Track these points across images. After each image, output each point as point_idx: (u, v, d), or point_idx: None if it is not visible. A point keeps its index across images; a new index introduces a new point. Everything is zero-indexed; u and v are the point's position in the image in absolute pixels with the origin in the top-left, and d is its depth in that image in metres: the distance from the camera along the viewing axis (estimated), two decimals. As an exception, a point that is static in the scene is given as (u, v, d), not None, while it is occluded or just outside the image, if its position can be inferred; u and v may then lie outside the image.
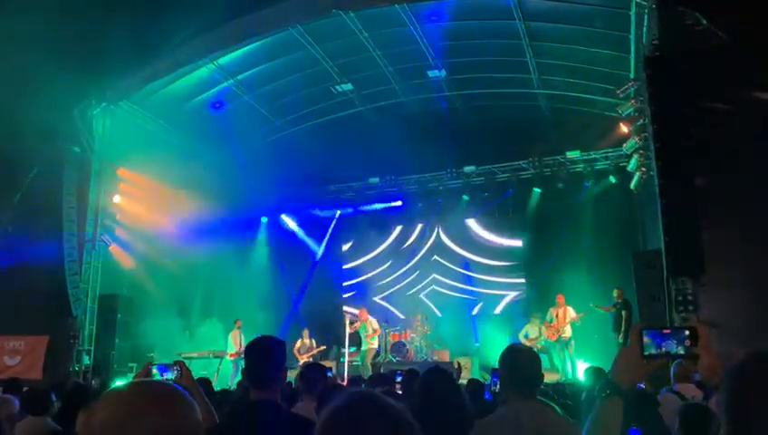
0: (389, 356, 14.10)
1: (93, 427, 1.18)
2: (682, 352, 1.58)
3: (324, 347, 14.53)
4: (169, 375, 3.06)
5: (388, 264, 17.62)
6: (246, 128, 16.20)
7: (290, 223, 18.34)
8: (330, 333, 15.58)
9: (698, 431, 3.32)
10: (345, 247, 18.40)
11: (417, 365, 11.96)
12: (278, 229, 18.24)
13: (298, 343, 14.20)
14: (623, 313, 12.20)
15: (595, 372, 6.27)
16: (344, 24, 12.37)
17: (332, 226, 18.36)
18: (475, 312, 16.54)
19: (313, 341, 14.43)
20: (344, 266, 18.27)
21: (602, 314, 12.94)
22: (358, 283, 17.92)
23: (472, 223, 17.15)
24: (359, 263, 18.08)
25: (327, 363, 13.24)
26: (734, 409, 1.34)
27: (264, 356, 2.90)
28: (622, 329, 12.12)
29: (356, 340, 14.23)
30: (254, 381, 2.86)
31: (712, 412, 3.35)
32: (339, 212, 18.23)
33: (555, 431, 2.78)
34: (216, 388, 7.65)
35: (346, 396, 1.26)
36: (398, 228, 17.81)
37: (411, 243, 17.64)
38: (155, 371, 3.08)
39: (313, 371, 4.77)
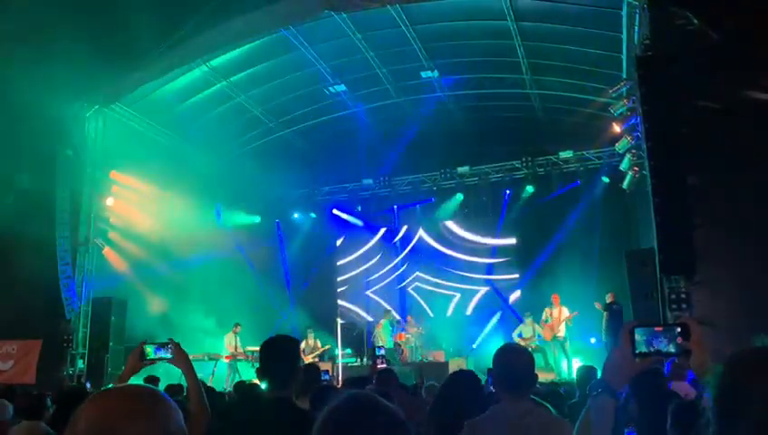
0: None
1: (78, 431, 1.18)
2: (673, 350, 1.58)
3: (329, 346, 14.58)
4: (163, 354, 3.05)
5: (378, 258, 17.85)
6: (240, 129, 16.18)
7: (283, 224, 18.36)
8: (327, 330, 15.59)
9: (690, 430, 3.32)
10: (338, 242, 18.56)
11: (410, 366, 12.02)
12: (272, 230, 18.24)
13: (302, 344, 14.24)
14: (604, 313, 12.69)
15: (586, 370, 6.31)
16: (337, 26, 12.37)
17: (327, 225, 18.45)
18: (449, 310, 16.68)
19: (318, 341, 14.49)
20: (338, 263, 18.37)
21: (600, 315, 13.05)
22: (350, 278, 18.18)
23: (464, 222, 17.23)
24: (350, 259, 18.24)
25: (322, 365, 13.28)
26: (723, 404, 1.35)
27: (278, 355, 2.95)
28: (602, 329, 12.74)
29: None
30: (270, 380, 2.90)
31: (705, 411, 3.35)
32: (336, 211, 18.32)
33: (546, 431, 2.79)
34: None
35: (343, 397, 1.28)
36: (387, 229, 17.98)
37: (402, 241, 17.77)
38: (149, 349, 3.07)
39: (308, 372, 4.78)
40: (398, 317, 15.18)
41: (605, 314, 12.67)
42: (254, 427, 2.81)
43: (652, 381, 4.02)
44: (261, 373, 2.98)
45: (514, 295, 16.33)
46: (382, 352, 6.31)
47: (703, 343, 1.56)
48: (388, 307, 16.06)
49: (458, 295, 16.85)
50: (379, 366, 6.14)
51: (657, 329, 1.60)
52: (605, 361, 1.67)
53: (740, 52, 8.50)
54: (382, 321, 14.64)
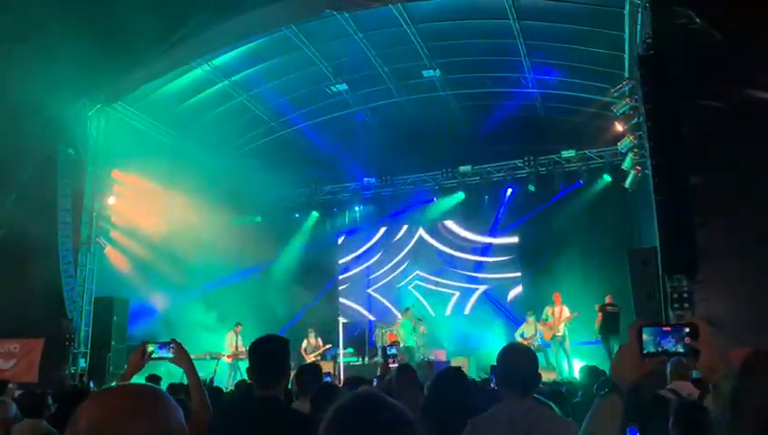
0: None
1: (80, 429, 1.19)
2: (681, 349, 1.57)
3: (330, 346, 14.55)
4: (165, 353, 3.05)
5: (378, 256, 17.89)
6: (241, 129, 16.19)
7: (285, 223, 18.37)
8: (329, 329, 15.58)
9: (694, 430, 3.30)
10: (339, 241, 18.63)
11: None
12: (273, 229, 18.24)
13: (304, 343, 14.24)
14: (599, 314, 12.78)
15: (591, 370, 6.31)
16: (338, 25, 12.37)
17: (329, 224, 18.48)
18: (448, 310, 16.70)
19: (319, 340, 14.48)
20: (339, 261, 18.40)
21: None
22: (351, 276, 18.23)
23: (465, 221, 17.23)
24: (351, 257, 18.30)
25: (324, 365, 13.26)
26: (736, 399, 1.35)
27: (267, 355, 2.95)
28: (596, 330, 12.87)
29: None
30: (258, 380, 2.91)
31: (708, 410, 3.34)
32: (335, 210, 18.35)
33: (549, 429, 2.78)
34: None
35: (350, 396, 1.27)
36: (388, 228, 17.99)
37: (402, 241, 17.79)
38: (151, 348, 3.07)
39: (310, 372, 4.78)
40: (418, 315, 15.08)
41: (599, 315, 12.70)
42: (240, 425, 2.82)
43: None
44: (249, 373, 3.00)
45: (515, 293, 16.34)
46: (394, 350, 6.24)
47: (710, 345, 1.55)
48: (405, 305, 16.04)
49: (457, 294, 16.89)
50: (390, 366, 6.06)
51: (665, 329, 1.59)
52: (613, 360, 1.66)
53: (742, 51, 8.48)
54: (401, 319, 14.44)
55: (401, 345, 13.45)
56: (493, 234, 16.90)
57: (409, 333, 13.96)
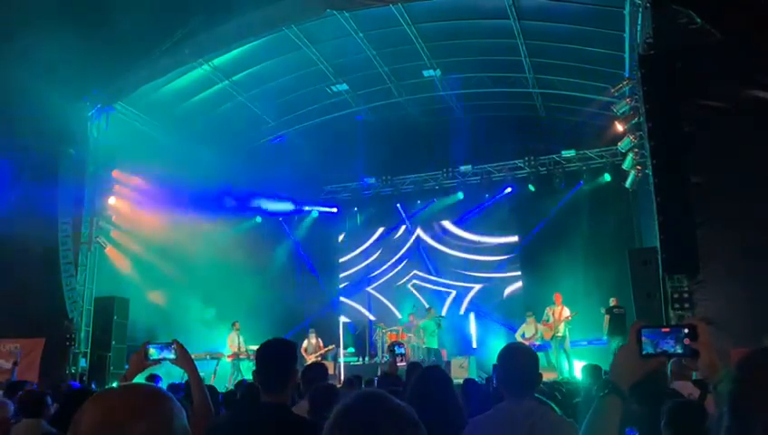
0: (385, 356, 14.10)
1: (82, 429, 1.19)
2: (680, 350, 1.58)
3: (333, 347, 14.51)
4: (167, 354, 3.04)
5: (378, 255, 17.90)
6: (242, 129, 16.19)
7: (285, 223, 18.38)
8: (329, 328, 15.57)
9: (686, 431, 3.28)
10: (339, 239, 18.63)
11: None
12: (274, 229, 18.25)
13: (305, 343, 14.22)
14: (606, 316, 12.81)
15: (592, 369, 6.30)
16: (339, 25, 12.37)
17: (329, 224, 18.50)
18: (444, 309, 16.73)
19: (320, 340, 14.45)
20: (340, 260, 18.42)
21: (602, 315, 13.11)
22: (351, 275, 18.22)
23: (466, 221, 17.23)
24: (351, 256, 18.30)
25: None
26: (737, 405, 1.35)
27: (273, 359, 2.91)
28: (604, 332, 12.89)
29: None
30: (265, 384, 2.88)
31: (703, 411, 3.32)
32: (336, 209, 18.36)
33: (550, 430, 2.78)
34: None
35: (355, 396, 1.27)
36: (388, 227, 17.99)
37: (401, 240, 17.79)
38: (152, 349, 3.06)
39: (315, 371, 4.77)
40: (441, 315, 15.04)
41: (606, 317, 12.73)
42: (241, 430, 2.79)
43: (651, 379, 4.00)
44: (256, 376, 2.97)
45: (512, 289, 16.34)
46: (402, 350, 6.14)
47: (710, 345, 1.55)
48: (405, 305, 16.03)
49: (454, 293, 16.88)
50: (398, 365, 6.00)
51: (664, 330, 1.60)
52: (612, 361, 1.67)
53: (742, 51, 8.48)
54: (420, 321, 14.27)
55: (423, 346, 13.46)
56: (493, 234, 16.87)
57: (431, 333, 13.88)
